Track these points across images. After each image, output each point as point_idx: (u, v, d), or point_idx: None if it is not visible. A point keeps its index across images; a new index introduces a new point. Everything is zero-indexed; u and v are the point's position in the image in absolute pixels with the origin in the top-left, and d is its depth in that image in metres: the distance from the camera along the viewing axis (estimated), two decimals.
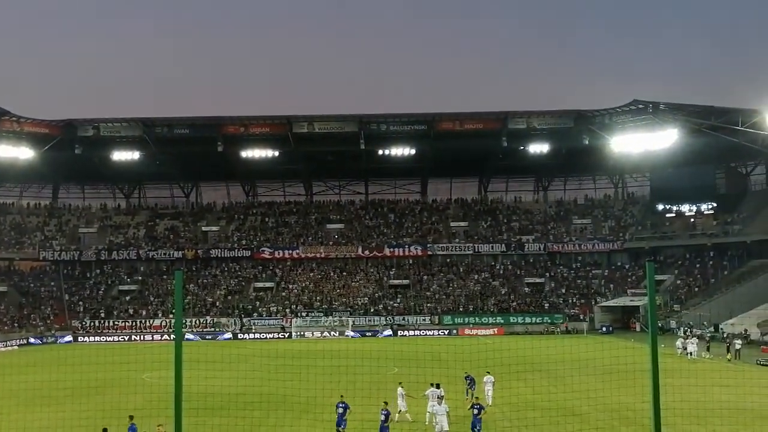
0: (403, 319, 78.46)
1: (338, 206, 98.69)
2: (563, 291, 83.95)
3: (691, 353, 47.52)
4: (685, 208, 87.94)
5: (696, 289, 78.39)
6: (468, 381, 30.18)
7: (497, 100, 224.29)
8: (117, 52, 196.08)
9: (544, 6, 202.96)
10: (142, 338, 73.76)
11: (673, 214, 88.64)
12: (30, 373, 37.42)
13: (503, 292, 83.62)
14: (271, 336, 74.27)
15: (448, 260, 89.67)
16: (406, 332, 75.34)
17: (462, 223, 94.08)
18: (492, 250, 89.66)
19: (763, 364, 44.37)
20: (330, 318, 78.01)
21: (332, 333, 74.79)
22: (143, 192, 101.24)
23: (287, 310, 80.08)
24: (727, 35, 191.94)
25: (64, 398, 29.60)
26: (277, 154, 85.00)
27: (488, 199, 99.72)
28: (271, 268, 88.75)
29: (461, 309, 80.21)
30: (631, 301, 77.03)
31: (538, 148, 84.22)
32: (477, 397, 25.79)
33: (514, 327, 76.60)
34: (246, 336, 74.72)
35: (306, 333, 75.00)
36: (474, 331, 75.07)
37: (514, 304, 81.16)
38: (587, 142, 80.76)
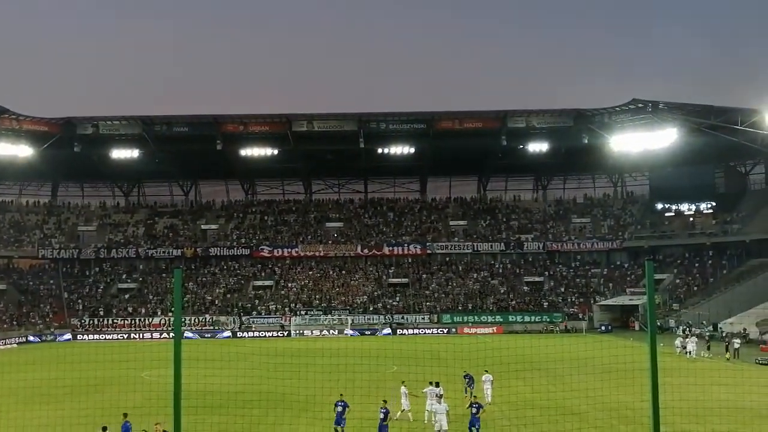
0: (402, 318, 78.48)
1: (337, 205, 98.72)
2: (562, 290, 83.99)
3: (689, 352, 47.54)
4: (685, 207, 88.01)
5: (695, 288, 78.44)
6: (467, 380, 30.17)
7: (496, 99, 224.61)
8: (116, 51, 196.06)
9: (544, 5, 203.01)
10: (141, 336, 73.72)
11: (672, 213, 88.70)
12: (29, 371, 37.42)
13: (502, 291, 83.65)
14: (271, 334, 74.30)
15: (447, 259, 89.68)
16: (405, 331, 75.38)
17: (461, 222, 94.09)
18: (491, 249, 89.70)
19: (761, 363, 44.39)
20: (329, 316, 78.05)
21: (331, 331, 74.81)
22: (142, 190, 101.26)
23: (286, 309, 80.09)
24: (727, 35, 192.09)
25: (63, 396, 29.59)
26: (276, 152, 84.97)
27: (487, 198, 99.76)
28: (270, 266, 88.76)
29: (460, 308, 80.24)
30: (630, 300, 77.06)
31: (538, 147, 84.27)
32: (475, 396, 25.80)
33: (513, 326, 76.65)
34: (245, 334, 74.73)
35: (305, 331, 75.01)
36: (473, 330, 75.11)
37: (513, 303, 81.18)
38: (586, 141, 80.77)
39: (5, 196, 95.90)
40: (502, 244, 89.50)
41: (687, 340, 50.17)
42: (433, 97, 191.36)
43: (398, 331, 75.25)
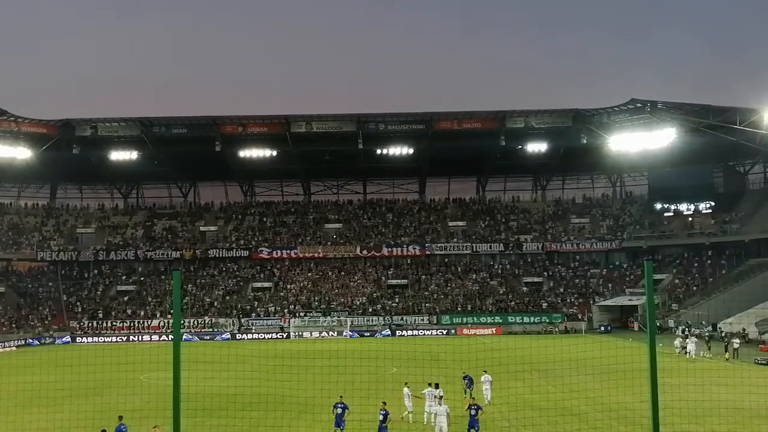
0: (402, 319, 78.41)
1: (336, 206, 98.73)
2: (561, 290, 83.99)
3: (689, 352, 47.54)
4: (683, 207, 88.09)
5: (694, 288, 78.44)
6: (466, 381, 30.16)
7: (495, 100, 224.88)
8: (115, 52, 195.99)
9: (543, 5, 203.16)
10: (140, 339, 73.65)
11: (671, 213, 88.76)
12: (28, 374, 37.41)
13: (501, 292, 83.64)
14: (270, 336, 74.25)
15: (447, 260, 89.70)
16: (404, 332, 75.34)
17: (460, 223, 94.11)
18: (490, 249, 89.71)
19: (761, 363, 44.41)
20: (328, 318, 78.00)
21: (330, 333, 74.78)
22: (141, 192, 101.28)
23: (285, 311, 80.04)
24: (725, 34, 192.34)
25: (62, 399, 29.55)
26: (275, 153, 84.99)
27: (486, 198, 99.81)
28: (269, 268, 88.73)
29: (459, 309, 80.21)
30: (629, 300, 77.08)
31: (536, 147, 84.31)
32: (474, 398, 25.81)
33: (513, 327, 76.59)
34: (244, 336, 74.67)
35: (304, 333, 74.96)
36: (472, 331, 75.08)
37: (513, 303, 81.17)
38: (585, 142, 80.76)
39: (4, 198, 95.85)
40: (501, 244, 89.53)
41: (687, 340, 50.19)
42: (431, 97, 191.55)
43: (397, 332, 75.23)
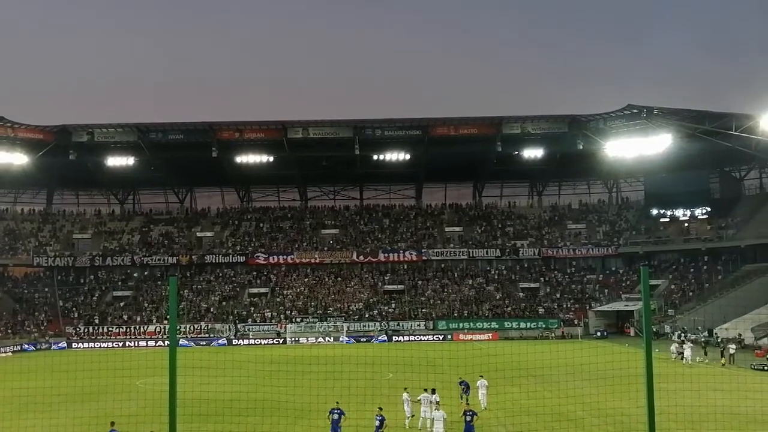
0: (398, 325, 78.36)
1: (333, 212, 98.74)
2: (558, 296, 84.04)
3: (685, 358, 47.57)
4: (680, 212, 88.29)
5: (690, 293, 78.56)
6: (462, 386, 30.18)
7: (492, 105, 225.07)
8: (111, 58, 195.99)
9: (539, 11, 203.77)
10: (136, 344, 73.40)
11: (668, 219, 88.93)
12: (24, 379, 37.30)
13: (498, 297, 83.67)
14: (266, 342, 74.14)
15: (443, 265, 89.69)
16: (400, 337, 75.31)
17: (456, 228, 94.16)
18: (486, 255, 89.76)
19: (757, 369, 44.48)
20: (325, 323, 77.98)
21: (327, 339, 74.72)
22: (137, 198, 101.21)
23: (282, 316, 79.97)
24: (722, 41, 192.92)
25: (58, 405, 29.49)
26: (271, 159, 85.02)
27: (483, 204, 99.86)
28: (265, 273, 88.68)
29: (456, 314, 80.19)
30: (625, 305, 77.13)
31: (533, 153, 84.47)
32: (468, 403, 25.84)
33: (509, 332, 76.54)
34: (241, 342, 74.57)
35: (301, 339, 74.92)
36: (468, 337, 75.07)
37: (509, 309, 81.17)
38: (582, 147, 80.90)
39: (0, 204, 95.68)
40: (498, 250, 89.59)
41: (683, 345, 50.25)
42: (428, 103, 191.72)
43: (394, 337, 75.19)
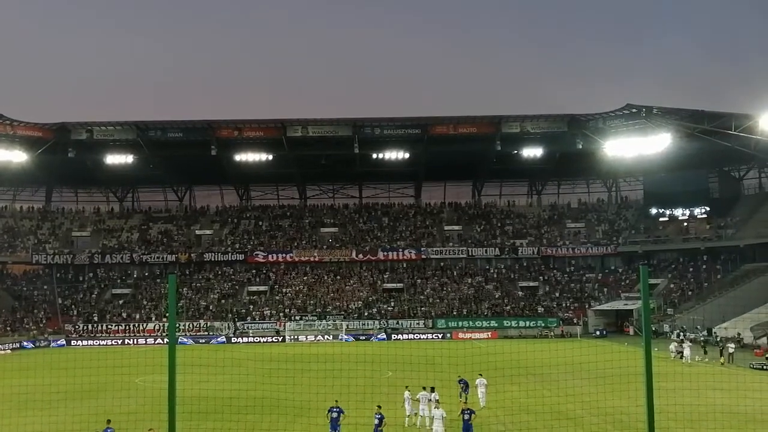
0: (397, 323, 78.38)
1: (332, 210, 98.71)
2: (557, 295, 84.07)
3: (684, 357, 47.58)
4: (679, 212, 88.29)
5: (689, 293, 78.60)
6: (462, 385, 30.20)
7: (491, 104, 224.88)
8: (111, 57, 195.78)
9: (539, 11, 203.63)
10: (135, 342, 73.44)
11: (667, 218, 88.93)
12: (23, 377, 37.32)
13: (497, 296, 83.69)
14: (265, 340, 74.16)
15: (442, 264, 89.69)
16: (400, 336, 75.32)
17: (456, 227, 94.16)
18: (486, 253, 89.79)
19: (756, 368, 44.51)
20: (324, 322, 78.02)
21: (326, 337, 74.75)
22: (137, 195, 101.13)
23: (281, 314, 79.97)
24: (721, 40, 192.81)
25: (57, 402, 29.47)
26: (271, 157, 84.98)
27: (482, 202, 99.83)
28: (264, 271, 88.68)
29: (455, 313, 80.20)
30: (624, 304, 77.18)
31: (532, 152, 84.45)
32: (466, 402, 25.85)
33: (508, 331, 76.55)
34: (240, 340, 74.57)
35: (300, 337, 75.00)
36: (468, 335, 75.08)
37: (508, 307, 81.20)
38: (581, 146, 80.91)
39: None
40: (497, 249, 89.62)
41: (683, 344, 50.27)
42: (427, 102, 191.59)
43: (393, 336, 75.21)
